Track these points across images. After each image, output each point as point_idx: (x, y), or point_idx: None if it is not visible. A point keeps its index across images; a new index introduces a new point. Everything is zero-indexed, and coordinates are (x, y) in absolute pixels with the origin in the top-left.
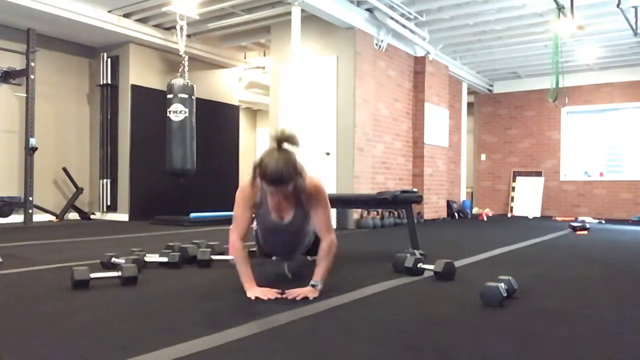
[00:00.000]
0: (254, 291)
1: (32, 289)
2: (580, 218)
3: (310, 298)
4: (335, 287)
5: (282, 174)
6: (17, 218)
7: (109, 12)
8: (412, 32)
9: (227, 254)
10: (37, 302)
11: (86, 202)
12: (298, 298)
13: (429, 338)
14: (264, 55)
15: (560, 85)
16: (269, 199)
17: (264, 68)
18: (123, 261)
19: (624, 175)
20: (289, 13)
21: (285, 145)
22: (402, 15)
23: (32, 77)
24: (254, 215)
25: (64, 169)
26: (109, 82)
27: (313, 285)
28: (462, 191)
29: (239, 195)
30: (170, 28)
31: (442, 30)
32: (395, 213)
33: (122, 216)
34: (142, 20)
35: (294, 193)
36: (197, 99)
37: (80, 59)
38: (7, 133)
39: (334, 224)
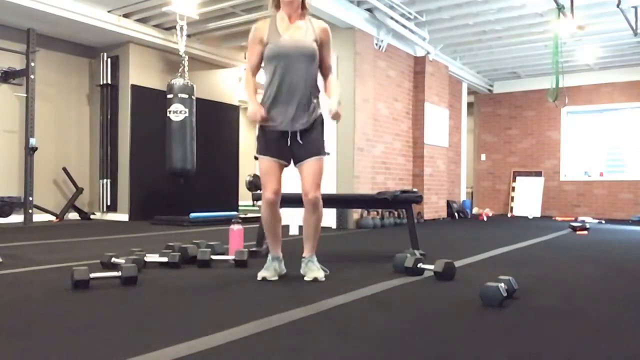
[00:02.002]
0: (254, 108)
1: (32, 289)
2: (580, 218)
3: (339, 112)
4: (335, 287)
5: None
6: (17, 218)
7: (109, 12)
8: (412, 32)
9: (227, 254)
10: (37, 302)
11: (86, 202)
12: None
13: (429, 338)
14: None
15: (560, 85)
16: (279, 16)
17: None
18: (123, 261)
19: (624, 175)
20: None
21: None
22: (402, 15)
23: (32, 77)
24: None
25: (64, 169)
26: (109, 82)
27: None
28: (462, 191)
29: (250, 36)
30: (170, 28)
31: (442, 30)
32: (395, 213)
33: (122, 216)
34: (142, 20)
35: (303, 11)
36: (197, 99)
37: (80, 59)
38: (7, 133)
39: (333, 224)
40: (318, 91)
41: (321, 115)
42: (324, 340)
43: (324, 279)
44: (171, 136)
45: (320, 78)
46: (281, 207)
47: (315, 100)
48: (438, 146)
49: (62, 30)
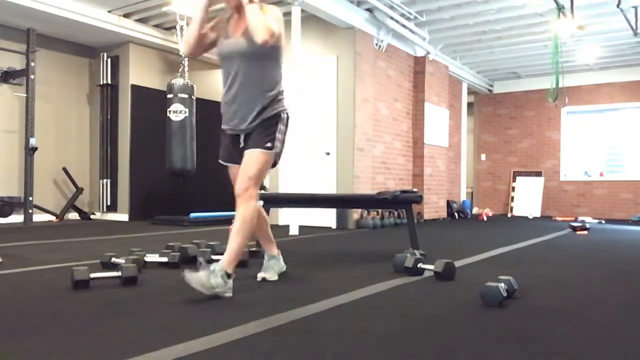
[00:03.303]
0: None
1: (32, 289)
2: (580, 218)
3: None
4: (335, 287)
5: None
6: (17, 218)
7: (109, 12)
8: (412, 32)
9: None
10: (37, 302)
11: (86, 202)
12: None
13: (428, 338)
14: None
15: (560, 85)
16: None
17: None
18: (123, 261)
19: (624, 175)
20: (289, 13)
21: None
22: (402, 15)
23: (32, 77)
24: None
25: (64, 169)
26: (109, 82)
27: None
28: (462, 191)
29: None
30: (170, 28)
31: (442, 30)
32: (395, 213)
33: (122, 216)
34: (142, 20)
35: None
36: (197, 99)
37: (80, 59)
38: (7, 133)
39: (333, 224)
40: (270, 91)
41: (277, 114)
42: (324, 340)
43: (226, 295)
44: (171, 136)
45: (273, 78)
46: (279, 206)
47: (265, 101)
48: (438, 146)
49: (62, 30)
